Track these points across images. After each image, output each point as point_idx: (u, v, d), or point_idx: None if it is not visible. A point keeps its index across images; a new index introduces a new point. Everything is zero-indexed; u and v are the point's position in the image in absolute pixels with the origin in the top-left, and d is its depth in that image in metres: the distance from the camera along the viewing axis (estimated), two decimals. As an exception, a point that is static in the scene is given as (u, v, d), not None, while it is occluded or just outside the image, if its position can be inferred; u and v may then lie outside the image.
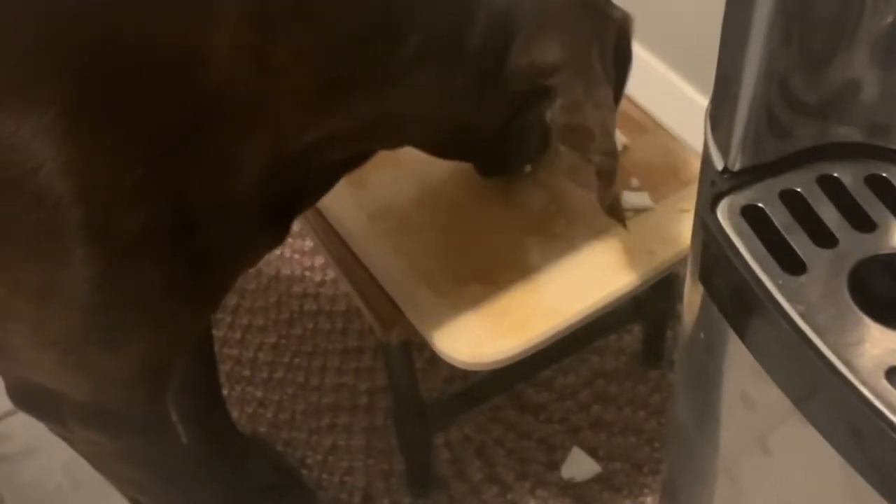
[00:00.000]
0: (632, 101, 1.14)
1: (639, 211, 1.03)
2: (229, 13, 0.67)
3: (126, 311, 0.73)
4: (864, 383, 0.43)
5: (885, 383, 0.43)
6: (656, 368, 1.36)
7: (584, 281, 0.99)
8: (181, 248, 0.73)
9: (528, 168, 1.07)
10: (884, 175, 0.50)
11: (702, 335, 0.57)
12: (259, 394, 1.38)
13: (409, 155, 0.99)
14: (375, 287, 1.03)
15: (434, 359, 1.35)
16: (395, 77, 0.78)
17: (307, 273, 1.51)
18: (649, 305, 1.28)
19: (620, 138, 1.09)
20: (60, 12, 0.64)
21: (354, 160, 0.90)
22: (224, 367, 1.39)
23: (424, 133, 0.92)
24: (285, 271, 1.51)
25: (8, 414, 1.41)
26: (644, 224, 1.02)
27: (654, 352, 1.35)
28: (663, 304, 1.27)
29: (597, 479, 1.28)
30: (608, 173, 0.89)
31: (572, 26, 0.84)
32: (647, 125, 1.12)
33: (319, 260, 1.50)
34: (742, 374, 0.54)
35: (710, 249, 0.50)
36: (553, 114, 0.85)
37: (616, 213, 0.93)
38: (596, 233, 1.02)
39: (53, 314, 0.71)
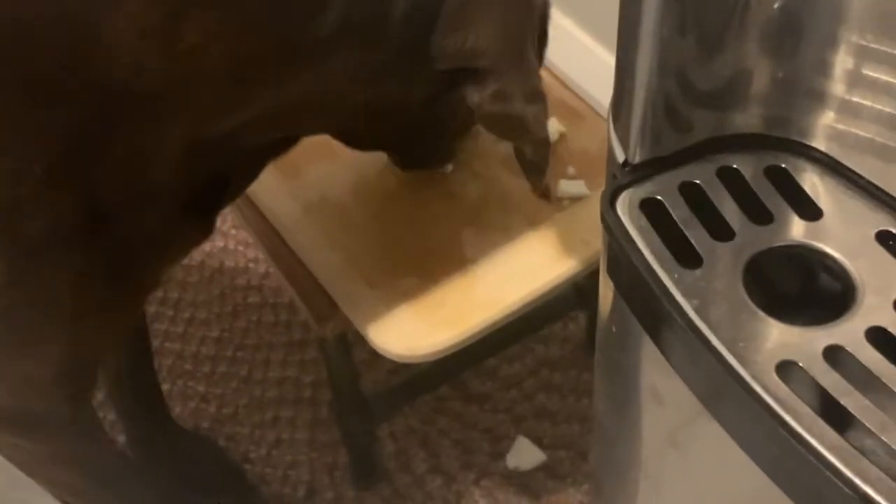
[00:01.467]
0: (569, 89, 1.14)
1: (575, 199, 1.03)
2: None
3: (33, 313, 0.71)
4: (756, 378, 0.43)
5: (775, 378, 0.43)
6: None
7: (520, 271, 0.98)
8: (93, 244, 0.70)
9: (449, 166, 1.06)
10: (783, 166, 0.49)
11: (614, 329, 0.56)
12: (201, 388, 1.37)
13: (345, 146, 0.98)
14: (311, 280, 1.01)
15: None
16: (314, 55, 0.75)
17: (251, 265, 1.49)
18: (592, 293, 1.28)
19: (557, 126, 1.08)
20: None
21: (279, 147, 0.87)
22: (166, 362, 1.38)
23: (345, 116, 0.88)
24: (229, 263, 1.49)
25: None
26: (580, 213, 1.02)
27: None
28: (605, 291, 1.27)
29: (542, 468, 1.28)
30: (541, 164, 0.88)
31: (503, 11, 0.82)
32: (584, 113, 1.12)
33: (263, 252, 1.49)
34: (652, 369, 0.54)
35: (614, 244, 0.50)
36: (482, 101, 0.82)
37: (548, 198, 0.93)
38: (532, 223, 1.01)
39: None
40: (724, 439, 0.49)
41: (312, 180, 1.05)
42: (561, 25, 0.86)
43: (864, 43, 0.48)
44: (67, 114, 0.65)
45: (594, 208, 1.01)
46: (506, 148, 1.08)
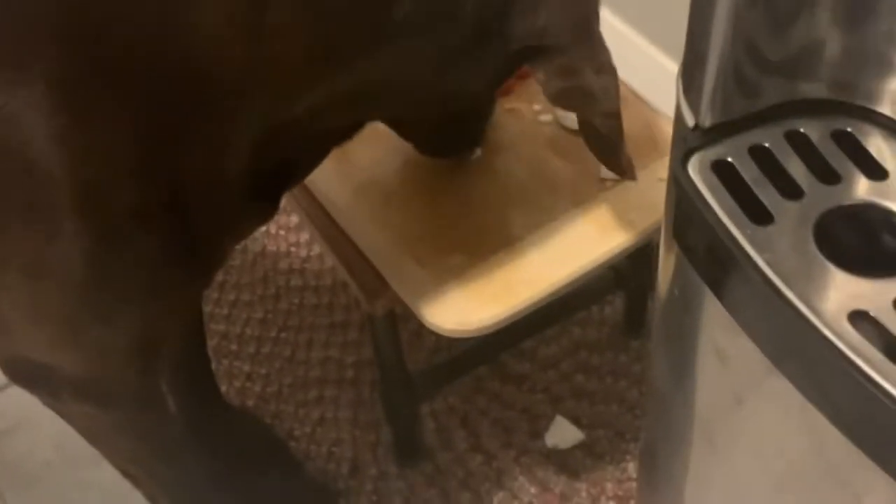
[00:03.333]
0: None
1: (618, 181, 1.05)
2: None
3: (119, 285, 0.74)
4: (828, 326, 0.45)
5: (847, 325, 0.45)
6: (637, 338, 1.39)
7: (564, 250, 1.01)
8: (174, 222, 0.74)
9: (478, 150, 1.09)
10: (848, 130, 0.52)
11: (676, 292, 0.58)
12: (247, 368, 1.40)
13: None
14: (361, 259, 1.04)
15: (419, 331, 1.37)
16: (391, 39, 0.77)
17: (293, 249, 1.52)
18: (630, 277, 1.31)
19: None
20: None
21: (344, 132, 0.90)
22: (211, 342, 1.41)
23: (413, 101, 0.90)
24: (271, 247, 1.52)
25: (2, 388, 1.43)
26: (623, 194, 1.04)
27: (635, 322, 1.38)
28: (643, 275, 1.29)
29: (580, 447, 1.31)
30: (612, 136, 0.89)
31: None
32: (626, 97, 1.14)
33: (305, 236, 1.52)
34: (716, 328, 0.56)
35: (682, 205, 0.52)
36: (550, 77, 0.84)
37: (628, 170, 0.94)
38: (576, 203, 1.04)
39: (46, 289, 0.72)
40: (787, 395, 0.52)
41: (361, 163, 1.08)
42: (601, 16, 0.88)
43: None
44: (156, 97, 0.68)
45: (637, 189, 1.04)
46: (551, 130, 1.11)
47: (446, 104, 0.92)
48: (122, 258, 0.72)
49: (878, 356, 0.43)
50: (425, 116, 0.97)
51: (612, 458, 1.29)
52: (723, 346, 0.56)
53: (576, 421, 1.33)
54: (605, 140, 0.90)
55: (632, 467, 1.27)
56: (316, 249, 1.52)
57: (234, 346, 1.42)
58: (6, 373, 0.87)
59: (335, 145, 0.91)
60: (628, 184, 1.05)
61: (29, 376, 0.85)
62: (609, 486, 1.27)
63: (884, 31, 0.50)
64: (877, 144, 0.51)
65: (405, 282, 1.00)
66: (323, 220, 1.09)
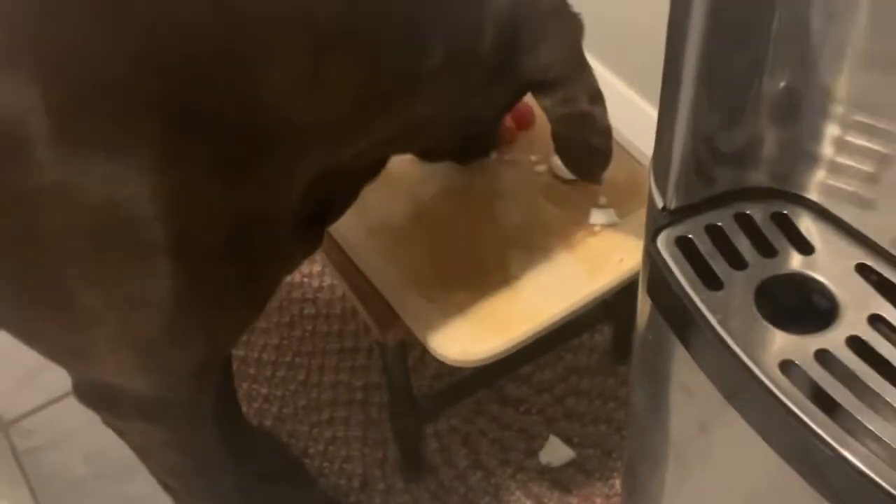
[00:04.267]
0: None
1: (606, 226, 1.17)
2: (292, 47, 0.77)
3: (197, 314, 0.84)
4: (764, 373, 0.56)
5: (778, 372, 0.56)
6: (624, 364, 1.48)
7: (558, 287, 1.11)
8: (244, 258, 0.84)
9: (493, 154, 1.22)
10: (784, 212, 0.63)
11: (650, 337, 0.70)
12: (264, 390, 1.50)
13: (402, 175, 1.12)
14: (374, 293, 1.15)
15: (423, 357, 1.47)
16: (425, 85, 0.89)
17: (306, 279, 1.63)
18: (618, 308, 1.41)
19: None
20: (149, 58, 0.73)
21: (375, 168, 1.01)
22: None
23: (441, 131, 1.02)
24: (286, 278, 1.63)
25: (32, 411, 1.53)
26: (611, 237, 1.15)
27: (621, 349, 1.48)
28: (629, 307, 1.39)
29: (571, 464, 1.40)
30: (606, 148, 1.03)
31: (563, 27, 0.98)
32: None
33: (317, 268, 1.63)
34: (682, 367, 0.67)
35: (653, 271, 0.64)
36: (553, 105, 0.98)
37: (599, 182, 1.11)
38: (568, 245, 1.14)
39: (136, 320, 0.82)
40: (742, 424, 0.63)
41: (374, 207, 1.18)
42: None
43: (847, 115, 0.62)
44: (236, 150, 0.78)
45: (624, 233, 1.16)
46: (545, 179, 1.22)
47: (464, 131, 1.05)
48: (203, 291, 0.82)
49: (801, 397, 0.55)
50: (446, 143, 1.08)
51: (601, 474, 1.39)
52: (688, 382, 0.68)
53: (568, 440, 1.42)
54: (597, 154, 1.03)
55: (619, 483, 1.37)
56: (327, 280, 1.62)
57: (252, 370, 1.52)
58: (76, 392, 0.97)
59: (367, 182, 1.01)
60: (616, 228, 1.16)
61: (98, 397, 0.95)
62: (598, 500, 1.36)
63: (810, 129, 0.62)
64: (806, 224, 0.63)
65: (414, 315, 1.10)
66: (339, 257, 1.19)
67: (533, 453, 1.42)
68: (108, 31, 0.73)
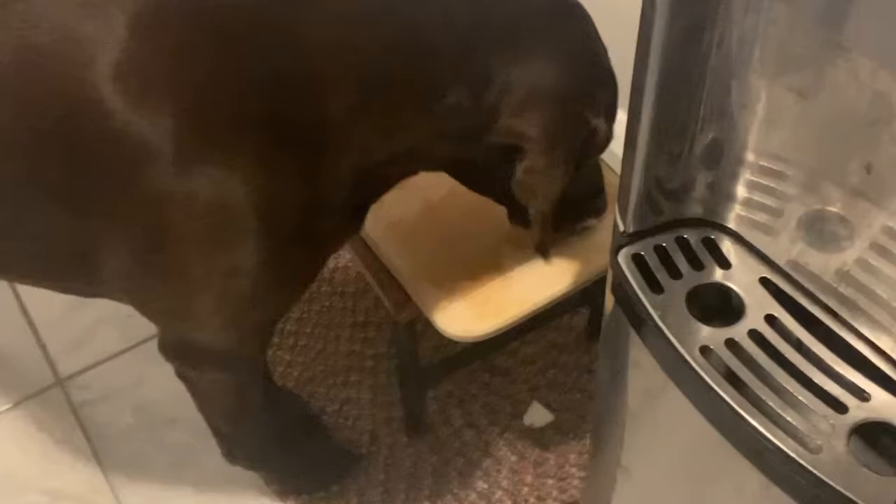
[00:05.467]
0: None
1: (587, 228, 1.37)
2: (347, 80, 0.98)
3: (277, 281, 1.07)
4: (689, 354, 0.79)
5: (699, 355, 0.79)
6: (597, 342, 1.64)
7: (545, 279, 1.30)
8: (310, 238, 1.06)
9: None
10: (712, 237, 0.86)
11: (612, 324, 0.92)
12: (287, 357, 1.70)
13: (417, 180, 1.31)
14: (391, 280, 1.35)
15: (425, 332, 1.62)
16: (432, 122, 1.06)
17: (323, 261, 1.83)
18: (594, 294, 1.60)
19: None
20: (253, 90, 0.95)
21: (403, 175, 1.20)
22: (259, 336, 1.72)
23: (434, 163, 1.19)
24: (306, 259, 1.83)
25: (86, 369, 1.73)
26: (591, 239, 1.34)
27: (596, 329, 1.65)
28: (603, 294, 1.61)
29: (551, 426, 1.60)
30: (540, 223, 1.16)
31: (550, 110, 1.05)
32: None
33: (333, 251, 1.83)
34: (635, 349, 0.90)
35: (615, 277, 0.86)
36: (517, 170, 1.09)
37: (543, 251, 1.23)
38: (554, 243, 1.35)
39: (231, 288, 1.04)
40: (677, 393, 0.86)
41: (392, 205, 1.35)
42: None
43: (757, 161, 0.84)
44: (306, 150, 1.00)
45: (600, 235, 1.36)
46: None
47: (459, 172, 1.22)
48: (280, 266, 1.05)
49: (716, 374, 0.77)
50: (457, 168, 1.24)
51: (576, 435, 1.59)
52: (638, 359, 0.90)
53: (548, 406, 1.62)
54: (534, 223, 1.16)
55: (589, 443, 1.59)
56: (342, 262, 1.82)
57: (276, 339, 1.72)
58: (162, 347, 1.19)
59: (397, 182, 1.20)
60: (593, 230, 1.36)
61: (182, 351, 1.18)
62: (572, 457, 1.57)
63: (729, 171, 0.84)
64: (727, 247, 0.85)
65: (424, 298, 1.30)
66: (363, 249, 1.40)
67: (518, 416, 1.61)
68: (227, 68, 0.95)
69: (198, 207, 0.97)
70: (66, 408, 1.68)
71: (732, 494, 0.87)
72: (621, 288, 0.86)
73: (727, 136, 0.84)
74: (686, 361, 0.80)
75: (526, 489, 1.55)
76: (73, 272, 1.12)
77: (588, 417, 1.62)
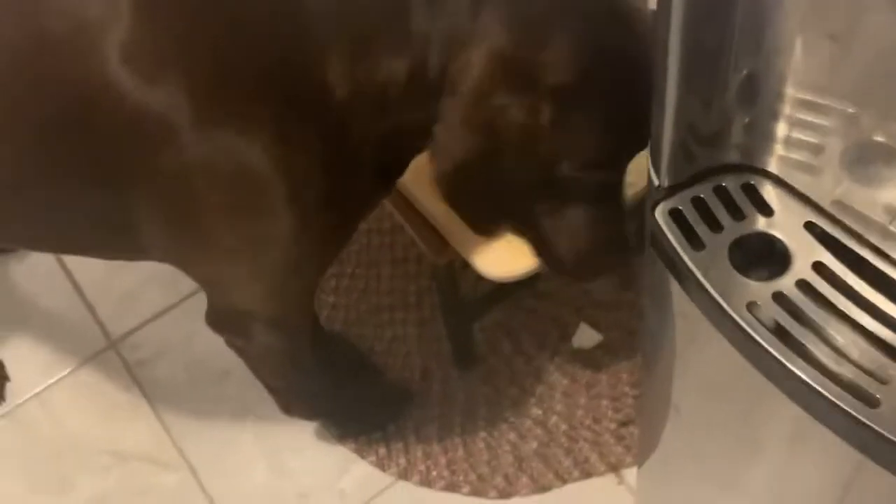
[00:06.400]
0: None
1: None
2: (340, 46, 0.98)
3: (310, 248, 1.09)
4: (736, 312, 0.77)
5: (745, 311, 0.77)
6: (642, 254, 1.67)
7: None
8: (339, 203, 1.07)
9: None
10: (752, 183, 0.82)
11: (655, 275, 0.90)
12: (331, 300, 1.72)
13: None
14: (426, 224, 1.35)
15: (464, 269, 1.66)
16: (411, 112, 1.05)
17: (357, 198, 1.82)
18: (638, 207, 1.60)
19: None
20: (263, 65, 0.97)
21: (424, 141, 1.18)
22: (301, 281, 1.73)
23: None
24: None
25: (136, 328, 1.76)
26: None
27: (640, 241, 1.63)
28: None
29: (600, 346, 1.62)
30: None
31: (491, 71, 0.98)
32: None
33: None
34: (680, 301, 0.88)
35: (654, 235, 0.84)
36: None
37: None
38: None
39: (265, 256, 1.07)
40: (724, 342, 0.84)
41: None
42: None
43: (795, 94, 0.80)
44: (322, 119, 1.01)
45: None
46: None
47: None
48: (312, 231, 1.06)
49: (765, 332, 0.75)
50: None
51: (626, 353, 1.61)
52: (685, 311, 0.88)
53: (595, 326, 1.63)
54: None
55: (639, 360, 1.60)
56: None
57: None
58: (209, 320, 1.23)
59: (422, 149, 1.16)
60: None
61: (230, 322, 1.21)
62: (624, 375, 1.59)
63: (765, 110, 0.80)
64: (768, 192, 0.82)
65: (462, 242, 1.29)
66: (395, 196, 1.38)
67: (566, 339, 1.63)
68: (239, 45, 0.97)
69: (222, 176, 1.00)
70: (122, 368, 1.72)
71: (786, 442, 0.87)
72: (661, 246, 0.83)
73: (763, 71, 0.79)
74: (733, 319, 0.78)
75: (580, 412, 1.58)
76: (116, 245, 1.18)
77: (636, 335, 1.61)
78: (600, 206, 1.08)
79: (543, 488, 1.52)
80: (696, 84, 0.80)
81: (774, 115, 0.82)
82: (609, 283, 1.42)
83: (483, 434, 1.57)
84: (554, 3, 0.98)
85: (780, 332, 0.77)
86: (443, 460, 1.55)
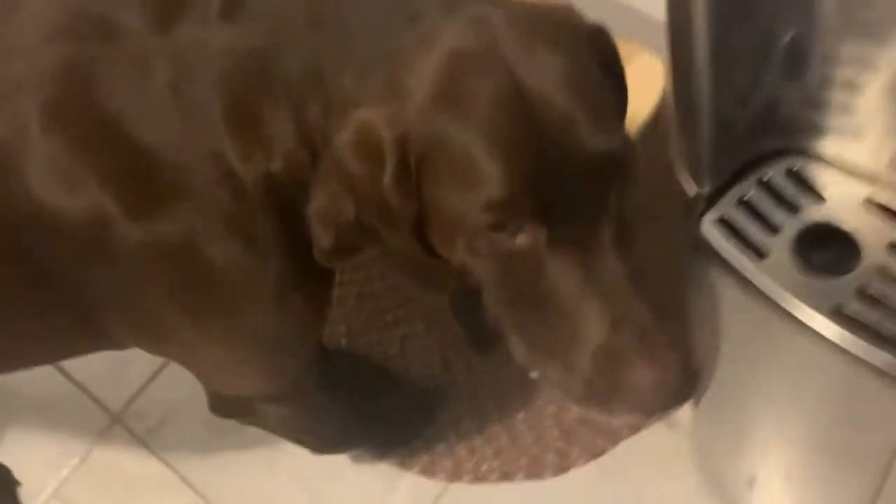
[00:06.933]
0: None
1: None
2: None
3: (289, 320, 1.01)
4: (823, 326, 0.69)
5: (832, 319, 0.70)
6: None
7: None
8: (307, 267, 0.97)
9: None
10: (795, 169, 0.74)
11: (715, 297, 0.80)
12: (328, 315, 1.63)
13: None
14: None
15: None
16: None
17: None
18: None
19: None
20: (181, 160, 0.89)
21: None
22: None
23: None
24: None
25: (136, 395, 1.65)
26: None
27: None
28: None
29: None
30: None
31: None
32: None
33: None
34: (750, 316, 0.78)
35: (707, 249, 0.75)
36: None
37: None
38: None
39: (242, 340, 1.01)
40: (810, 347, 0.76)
41: None
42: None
43: (833, 55, 0.71)
44: (255, 203, 0.91)
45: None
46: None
47: None
48: (289, 317, 1.00)
49: (857, 341, 0.68)
50: None
51: None
52: (756, 320, 0.78)
53: None
54: None
55: None
56: None
57: None
58: (213, 409, 1.19)
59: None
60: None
61: (234, 408, 1.17)
62: None
63: (817, 79, 0.71)
64: (815, 173, 0.74)
65: None
66: None
67: None
68: (147, 144, 0.90)
69: (169, 262, 0.94)
70: (132, 441, 1.63)
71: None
72: (714, 258, 0.75)
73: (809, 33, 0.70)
74: (814, 332, 0.71)
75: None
76: (97, 346, 1.13)
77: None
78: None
79: (597, 454, 1.47)
80: (727, 72, 0.71)
81: (824, 84, 0.73)
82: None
83: (522, 414, 1.51)
84: None
85: (871, 333, 0.70)
86: (489, 452, 1.50)
